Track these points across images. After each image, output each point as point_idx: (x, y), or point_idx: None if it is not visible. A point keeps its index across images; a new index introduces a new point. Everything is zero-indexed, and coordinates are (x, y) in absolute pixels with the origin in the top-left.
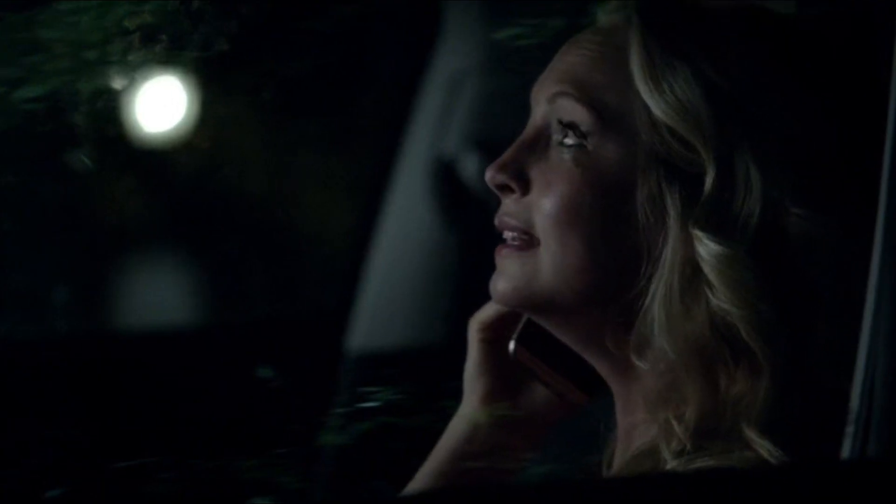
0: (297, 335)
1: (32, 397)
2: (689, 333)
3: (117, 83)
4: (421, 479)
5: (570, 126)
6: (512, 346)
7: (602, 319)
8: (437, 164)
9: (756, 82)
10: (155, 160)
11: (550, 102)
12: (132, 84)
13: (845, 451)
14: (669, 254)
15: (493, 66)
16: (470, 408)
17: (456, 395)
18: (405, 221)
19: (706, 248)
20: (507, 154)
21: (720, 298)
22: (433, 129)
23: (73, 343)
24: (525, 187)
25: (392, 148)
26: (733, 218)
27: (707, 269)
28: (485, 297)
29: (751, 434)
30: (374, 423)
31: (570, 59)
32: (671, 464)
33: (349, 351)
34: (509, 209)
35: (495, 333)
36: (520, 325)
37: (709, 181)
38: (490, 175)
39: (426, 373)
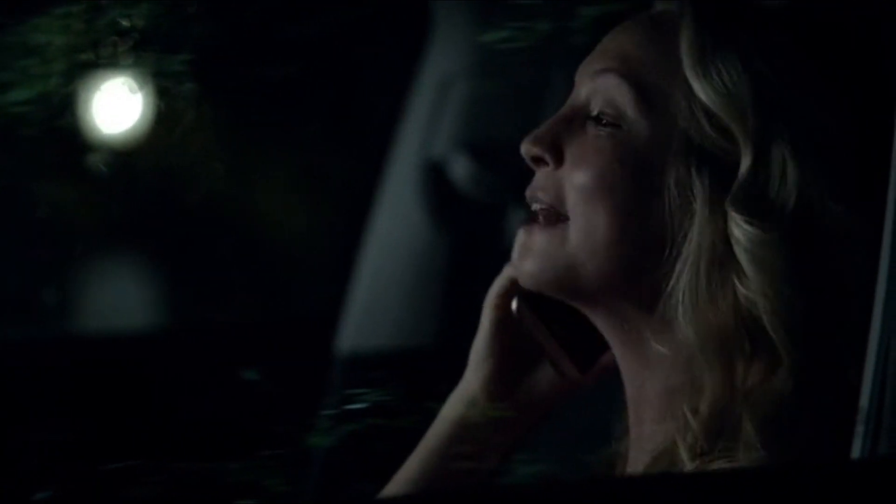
0: (285, 337)
1: (19, 400)
2: (713, 321)
3: (107, 87)
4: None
5: (609, 101)
6: (515, 303)
7: (626, 298)
8: (427, 166)
9: (800, 76)
10: (144, 162)
11: (593, 79)
12: (122, 87)
13: (856, 450)
14: (696, 237)
15: (482, 68)
16: (472, 387)
17: (444, 397)
18: (394, 224)
19: (741, 229)
20: (544, 127)
21: (748, 287)
22: (422, 131)
23: (59, 345)
24: (558, 160)
25: (381, 151)
26: (769, 204)
27: (739, 251)
28: (474, 299)
29: (755, 430)
30: (361, 425)
31: (619, 39)
32: (689, 466)
33: (337, 353)
34: (540, 182)
35: (508, 306)
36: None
37: (744, 166)
38: (525, 147)
39: (414, 375)
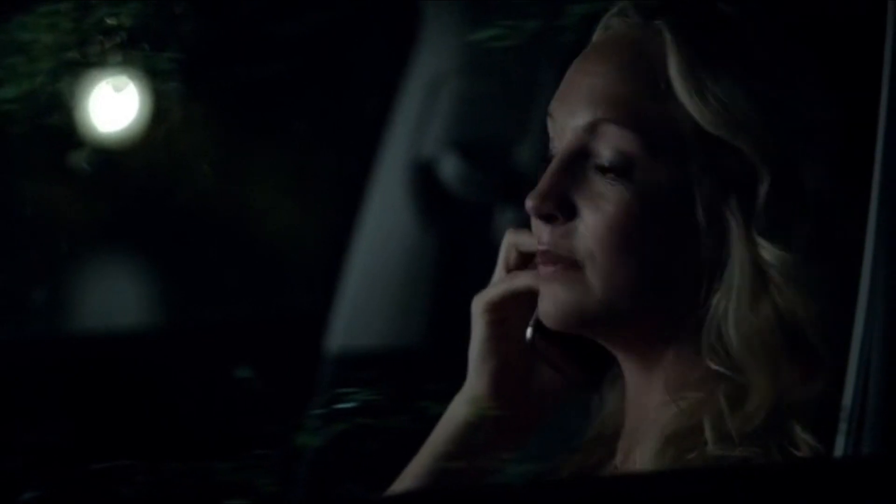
0: (275, 336)
1: (6, 399)
2: (757, 329)
3: (95, 85)
4: (411, 476)
5: (616, 152)
6: (529, 332)
7: (657, 331)
8: (417, 165)
9: (794, 78)
10: (132, 161)
11: (589, 130)
12: (110, 86)
13: (839, 448)
14: (737, 263)
15: (472, 67)
16: (475, 390)
17: (434, 397)
18: (384, 223)
19: (770, 253)
20: (546, 183)
21: (786, 299)
22: (412, 130)
23: (48, 344)
24: (571, 214)
25: (371, 150)
26: (791, 220)
27: (773, 273)
28: (463, 299)
29: (798, 430)
30: (351, 425)
31: (597, 81)
32: (712, 447)
33: (327, 352)
34: (554, 238)
35: (502, 314)
36: (536, 313)
37: (764, 186)
38: (534, 204)
39: (404, 374)
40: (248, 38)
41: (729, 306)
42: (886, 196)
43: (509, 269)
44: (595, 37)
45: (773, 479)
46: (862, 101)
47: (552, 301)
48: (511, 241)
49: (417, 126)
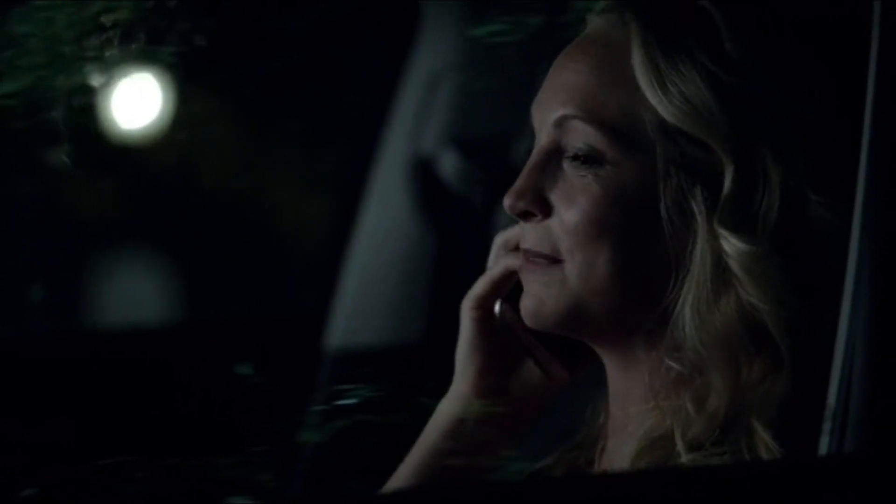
0: (275, 333)
1: (7, 396)
2: (719, 324)
3: (93, 79)
4: (403, 475)
5: (584, 147)
6: (498, 306)
7: (633, 326)
8: (416, 162)
9: (761, 70)
10: (131, 158)
11: (558, 126)
12: (108, 80)
13: (822, 447)
14: (699, 256)
15: (472, 63)
16: (461, 387)
17: (433, 394)
18: (384, 219)
19: (732, 246)
20: (522, 181)
21: (749, 293)
22: (411, 126)
23: (49, 341)
24: (546, 210)
25: (370, 146)
26: (756, 213)
27: (734, 267)
28: (463, 296)
29: (757, 427)
30: (351, 421)
31: (569, 77)
32: (685, 457)
33: (327, 349)
34: (533, 235)
35: (488, 309)
36: (509, 287)
37: (728, 178)
38: (510, 203)
39: (403, 370)
40: (247, 34)
41: (689, 300)
42: (870, 194)
43: None
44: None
45: (757, 477)
46: (831, 93)
47: (533, 299)
48: (500, 242)
49: (416, 123)
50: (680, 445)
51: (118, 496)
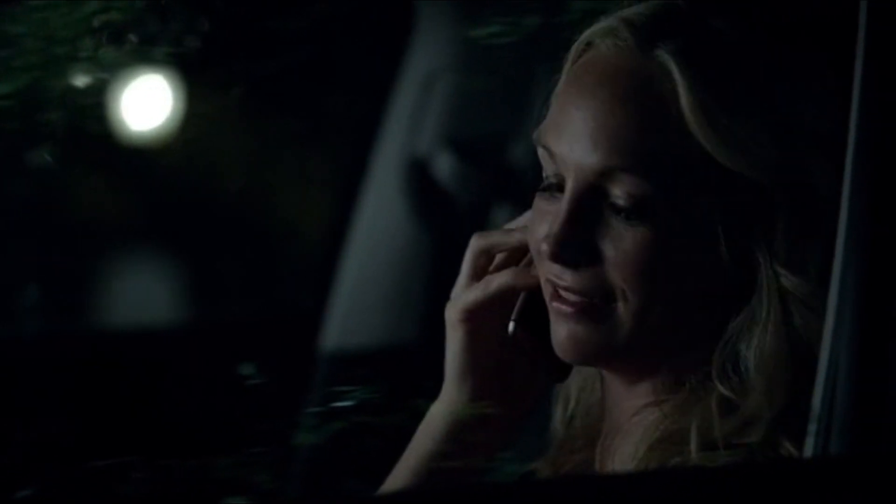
0: (272, 334)
1: (7, 396)
2: (774, 353)
3: (88, 80)
4: (397, 478)
5: (633, 199)
6: (511, 326)
7: (682, 362)
8: (412, 163)
9: (804, 96)
10: (127, 158)
11: (601, 175)
12: (103, 81)
13: (807, 449)
14: (764, 295)
15: (468, 63)
16: (451, 392)
17: (430, 395)
18: (380, 220)
19: (790, 282)
20: (562, 229)
21: (803, 326)
22: (408, 127)
23: (48, 341)
24: (593, 258)
25: (367, 146)
26: (808, 248)
27: (792, 302)
28: None
29: (787, 444)
30: (347, 423)
31: (607, 121)
32: (696, 454)
33: (323, 350)
34: (575, 280)
35: (480, 321)
36: (518, 306)
37: (782, 217)
38: (552, 251)
39: (400, 372)
40: (243, 34)
41: (745, 335)
42: (855, 200)
43: (479, 275)
44: (579, 54)
45: (744, 479)
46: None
47: (570, 337)
48: (482, 246)
49: (413, 123)
50: (694, 440)
51: (116, 496)
